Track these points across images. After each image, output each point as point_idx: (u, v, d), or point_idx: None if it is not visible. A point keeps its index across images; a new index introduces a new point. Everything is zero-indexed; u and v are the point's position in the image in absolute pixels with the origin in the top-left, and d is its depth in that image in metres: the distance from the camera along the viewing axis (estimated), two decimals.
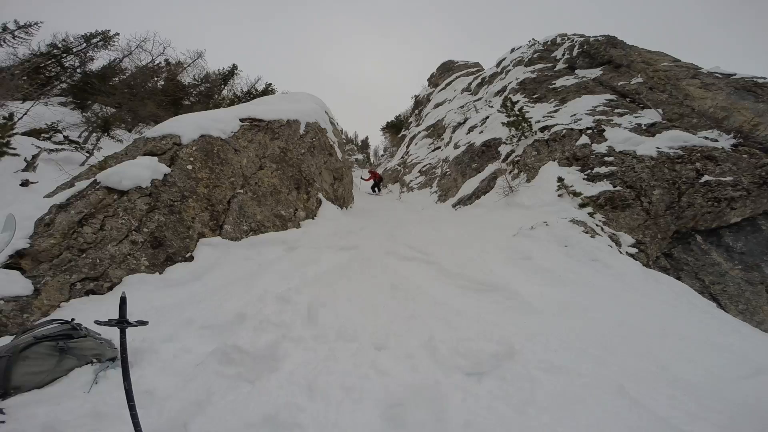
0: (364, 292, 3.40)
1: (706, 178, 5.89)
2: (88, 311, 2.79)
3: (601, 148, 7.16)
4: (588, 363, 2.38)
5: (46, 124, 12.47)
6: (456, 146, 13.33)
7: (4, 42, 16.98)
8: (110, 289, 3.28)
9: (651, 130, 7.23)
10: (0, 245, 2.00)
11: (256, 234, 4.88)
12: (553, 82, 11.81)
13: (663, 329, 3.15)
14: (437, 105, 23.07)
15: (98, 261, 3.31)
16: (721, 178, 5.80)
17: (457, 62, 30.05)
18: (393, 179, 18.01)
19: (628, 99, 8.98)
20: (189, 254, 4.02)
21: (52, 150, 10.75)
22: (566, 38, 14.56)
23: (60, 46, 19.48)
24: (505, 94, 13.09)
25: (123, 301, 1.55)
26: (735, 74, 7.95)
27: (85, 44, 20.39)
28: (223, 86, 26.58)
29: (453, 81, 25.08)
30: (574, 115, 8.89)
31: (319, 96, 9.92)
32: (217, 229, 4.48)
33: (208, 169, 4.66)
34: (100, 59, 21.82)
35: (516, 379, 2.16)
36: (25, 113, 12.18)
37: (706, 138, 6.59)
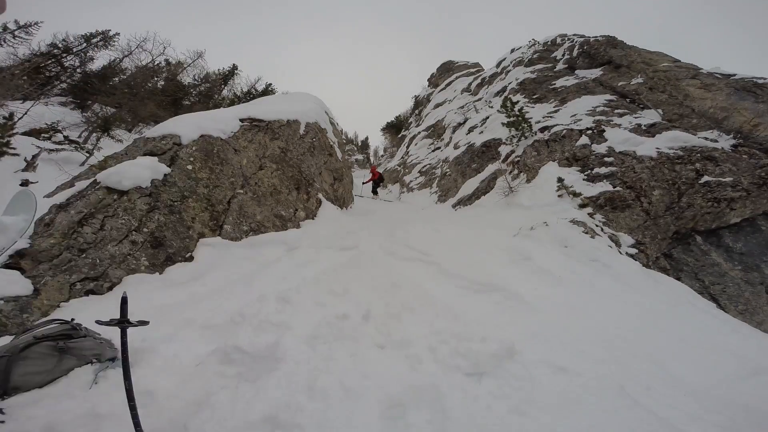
0: (363, 292, 3.40)
1: (705, 178, 5.89)
2: (88, 311, 2.79)
3: (601, 148, 7.17)
4: (588, 363, 2.38)
5: (46, 124, 12.46)
6: (456, 146, 13.34)
7: (4, 42, 16.96)
8: (110, 289, 3.28)
9: (651, 130, 7.23)
10: (15, 234, 1.81)
11: (256, 234, 4.88)
12: (553, 83, 11.82)
13: (663, 329, 3.15)
14: (437, 105, 23.09)
15: (98, 261, 3.30)
16: (720, 179, 5.81)
17: (457, 62, 30.09)
18: (393, 179, 18.01)
19: (628, 99, 8.98)
20: (189, 254, 4.02)
21: (52, 150, 10.74)
22: (566, 38, 14.57)
23: (60, 46, 19.47)
24: (505, 94, 13.09)
25: (124, 301, 1.55)
26: (735, 74, 7.95)
27: (85, 44, 20.38)
28: (223, 86, 26.58)
29: (453, 81, 25.11)
30: (574, 115, 8.89)
31: (319, 96, 9.93)
32: (217, 230, 4.48)
33: (208, 169, 4.65)
34: (100, 59, 21.81)
35: (516, 379, 2.16)
36: (25, 113, 12.17)
37: (706, 138, 6.59)
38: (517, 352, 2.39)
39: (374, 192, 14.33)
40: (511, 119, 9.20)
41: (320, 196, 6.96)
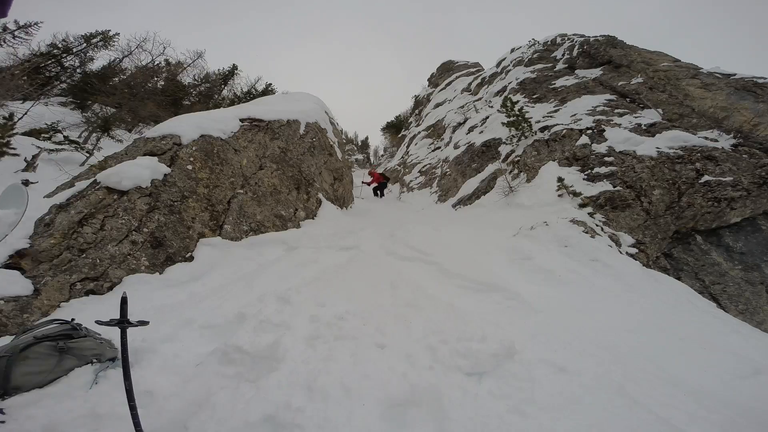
0: (363, 292, 3.40)
1: (706, 178, 5.89)
2: (88, 311, 2.79)
3: (601, 148, 7.17)
4: (588, 363, 2.38)
5: (46, 124, 12.44)
6: (456, 146, 13.33)
7: (4, 42, 16.94)
8: (110, 289, 3.28)
9: (651, 130, 7.23)
10: (6, 228, 1.73)
11: (256, 234, 4.88)
12: (553, 82, 11.82)
13: (663, 329, 3.15)
14: (437, 105, 23.07)
15: (98, 261, 3.31)
16: (721, 178, 5.80)
17: (457, 62, 30.06)
18: (393, 179, 17.99)
19: (628, 99, 8.98)
20: (189, 254, 4.02)
21: (52, 150, 10.73)
22: (566, 38, 14.56)
23: (60, 46, 19.48)
24: (505, 94, 13.09)
25: (124, 301, 1.55)
26: (735, 74, 7.95)
27: (85, 44, 20.38)
28: (223, 86, 26.58)
29: (453, 81, 25.09)
30: (574, 115, 8.89)
31: (318, 96, 9.93)
32: (217, 229, 4.48)
33: (208, 169, 4.65)
34: (100, 59, 21.86)
35: (516, 379, 2.16)
36: (25, 113, 12.17)
37: (706, 138, 6.59)
38: (517, 352, 2.39)
39: (380, 194, 13.90)
40: (511, 119, 9.20)
41: (320, 195, 6.97)
